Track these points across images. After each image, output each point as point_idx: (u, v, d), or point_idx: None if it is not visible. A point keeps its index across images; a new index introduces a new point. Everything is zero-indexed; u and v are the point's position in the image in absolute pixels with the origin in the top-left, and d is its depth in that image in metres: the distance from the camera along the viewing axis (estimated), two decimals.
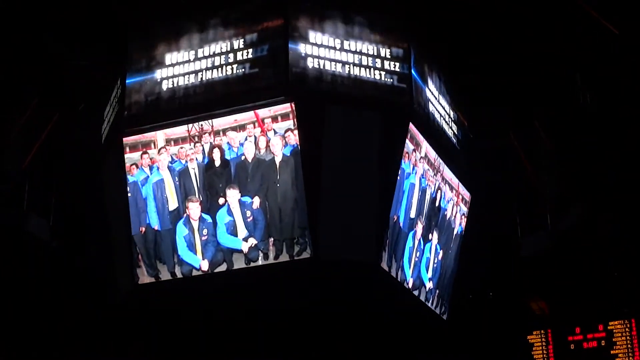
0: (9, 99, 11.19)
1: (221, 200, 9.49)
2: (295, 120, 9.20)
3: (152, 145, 9.71)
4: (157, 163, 9.70)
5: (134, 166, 9.75)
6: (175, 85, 9.73)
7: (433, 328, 11.64)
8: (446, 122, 11.07)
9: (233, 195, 9.44)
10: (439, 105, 10.83)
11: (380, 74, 9.72)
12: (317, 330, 10.94)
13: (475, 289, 13.88)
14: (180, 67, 9.79)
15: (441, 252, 11.34)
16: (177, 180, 9.63)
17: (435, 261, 11.20)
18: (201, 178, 9.55)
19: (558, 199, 11.34)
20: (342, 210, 9.43)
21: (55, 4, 10.39)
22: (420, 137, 10.13)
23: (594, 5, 9.91)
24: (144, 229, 9.77)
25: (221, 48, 9.68)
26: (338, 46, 9.64)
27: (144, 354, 12.07)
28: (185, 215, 9.61)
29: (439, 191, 10.94)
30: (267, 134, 9.36)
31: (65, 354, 12.26)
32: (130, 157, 9.73)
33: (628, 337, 13.15)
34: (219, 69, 9.62)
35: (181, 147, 9.61)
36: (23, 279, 11.85)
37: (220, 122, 9.47)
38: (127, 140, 9.75)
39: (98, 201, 10.95)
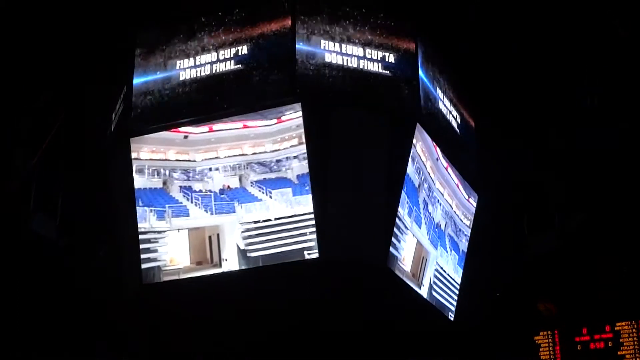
0: (18, 96, 11.21)
1: None
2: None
3: None
4: None
5: None
6: (181, 86, 9.74)
7: (439, 328, 11.61)
8: (453, 120, 11.05)
9: None
10: (445, 104, 10.80)
11: (386, 74, 9.71)
12: (322, 331, 10.93)
13: (482, 289, 13.85)
14: (187, 69, 9.80)
15: (448, 252, 11.34)
16: None
17: (442, 262, 11.21)
18: None
19: (565, 200, 11.32)
20: (349, 211, 9.43)
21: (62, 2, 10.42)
22: (426, 137, 10.12)
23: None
24: None
25: (229, 49, 9.68)
26: (344, 47, 9.62)
27: (147, 353, 12.10)
28: None
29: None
30: None
31: (71, 353, 12.28)
32: None
33: (635, 338, 13.10)
34: (226, 70, 9.62)
35: None
36: (29, 278, 11.86)
37: None
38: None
39: (105, 200, 10.96)
